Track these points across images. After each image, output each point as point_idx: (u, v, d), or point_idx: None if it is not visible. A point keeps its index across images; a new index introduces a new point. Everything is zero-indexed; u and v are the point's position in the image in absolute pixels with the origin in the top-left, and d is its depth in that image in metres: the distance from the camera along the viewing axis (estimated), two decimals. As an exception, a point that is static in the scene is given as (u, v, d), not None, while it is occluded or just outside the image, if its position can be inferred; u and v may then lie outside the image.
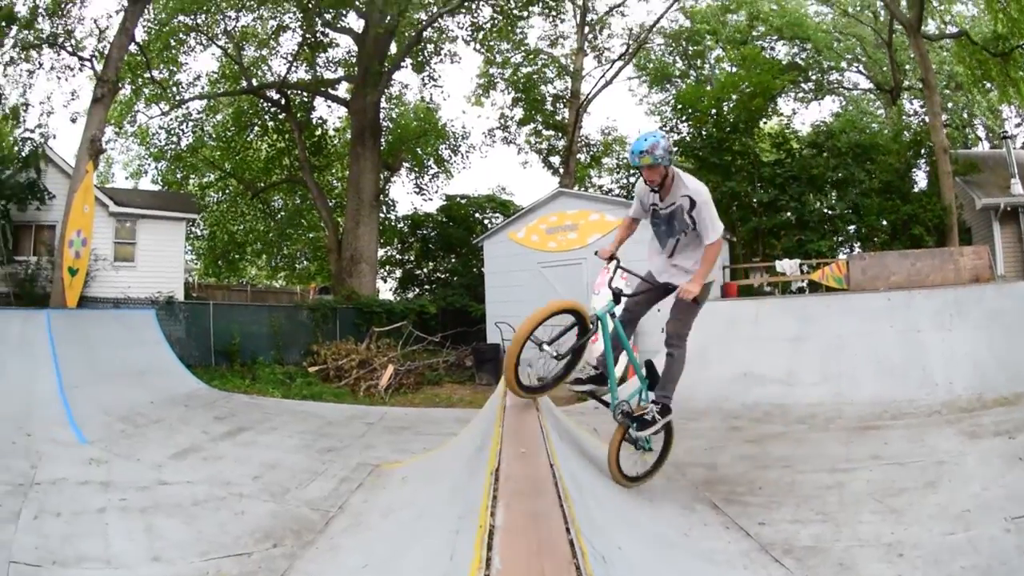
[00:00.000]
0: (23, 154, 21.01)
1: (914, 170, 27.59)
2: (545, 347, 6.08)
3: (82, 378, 12.34)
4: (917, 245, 22.92)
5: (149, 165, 34.32)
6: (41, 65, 23.76)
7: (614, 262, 6.72)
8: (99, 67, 21.37)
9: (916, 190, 26.37)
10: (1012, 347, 11.79)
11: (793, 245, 24.61)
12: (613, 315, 6.76)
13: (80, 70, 24.29)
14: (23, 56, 23.06)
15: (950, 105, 36.01)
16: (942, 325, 12.79)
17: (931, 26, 30.85)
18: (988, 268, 16.74)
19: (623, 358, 7.74)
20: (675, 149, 5.92)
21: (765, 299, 17.47)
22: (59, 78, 24.74)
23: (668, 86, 38.65)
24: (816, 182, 25.87)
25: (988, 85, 28.13)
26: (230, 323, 20.64)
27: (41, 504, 6.86)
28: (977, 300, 13.22)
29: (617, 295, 6.77)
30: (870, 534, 5.94)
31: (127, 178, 35.56)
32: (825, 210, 25.99)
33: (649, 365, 7.09)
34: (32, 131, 22.21)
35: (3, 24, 21.48)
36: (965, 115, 37.25)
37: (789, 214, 25.39)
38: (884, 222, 25.04)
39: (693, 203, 6.19)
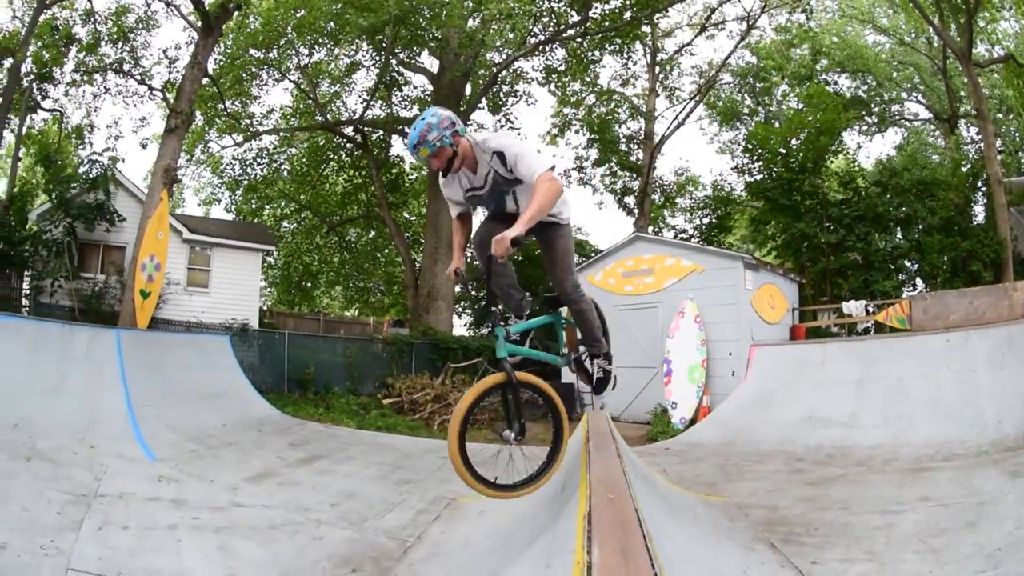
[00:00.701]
0: (90, 175, 21.29)
1: (972, 203, 27.29)
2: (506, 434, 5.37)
3: (151, 398, 12.44)
4: (975, 282, 22.56)
5: (222, 193, 34.60)
6: (107, 90, 24.26)
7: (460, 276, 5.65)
8: (170, 97, 21.87)
9: (974, 223, 26.09)
10: None
11: (859, 285, 24.43)
12: (508, 335, 5.53)
13: (150, 98, 24.73)
14: (85, 79, 23.52)
15: (1003, 129, 35.43)
16: (995, 363, 12.42)
17: (980, 48, 30.39)
18: None
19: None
20: (457, 124, 4.76)
21: (831, 342, 17.13)
22: (127, 104, 25.22)
23: (737, 124, 38.63)
24: (881, 221, 25.57)
25: None
26: (304, 352, 20.77)
27: (106, 516, 6.85)
28: None
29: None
30: (910, 573, 6.00)
31: (199, 204, 36.04)
32: (889, 249, 25.68)
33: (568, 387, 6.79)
34: (100, 154, 22.40)
35: (62, 44, 22.04)
36: (1017, 138, 36.65)
37: (855, 254, 25.08)
38: (945, 259, 24.64)
39: (503, 156, 5.09)
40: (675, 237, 33.08)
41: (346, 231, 38.07)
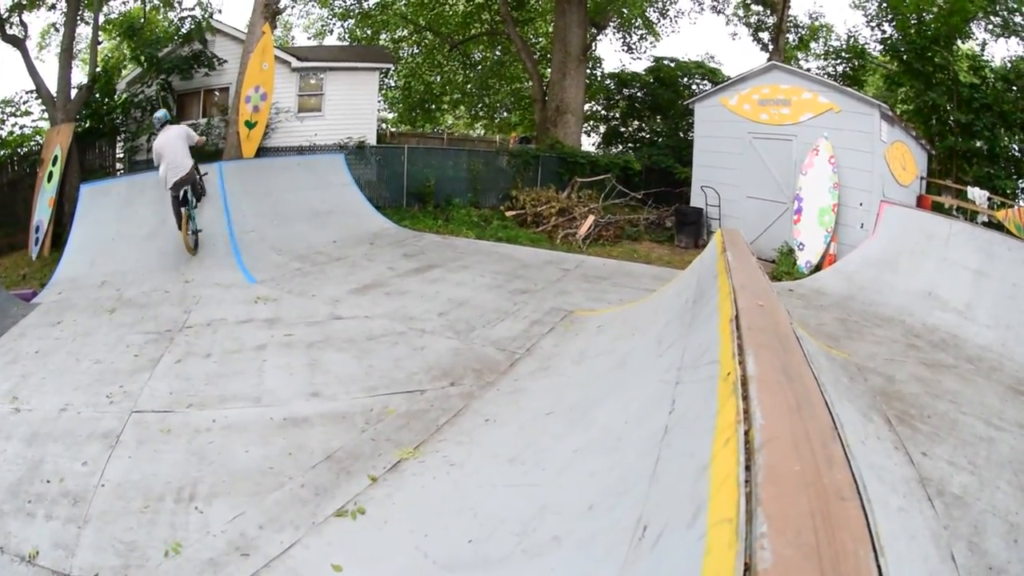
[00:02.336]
0: (182, 31, 20.79)
1: None
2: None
3: (258, 223, 12.51)
4: None
5: (334, 24, 33.96)
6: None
7: None
8: None
9: None
10: None
11: (984, 176, 23.33)
12: None
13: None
14: None
15: None
16: None
17: None
18: None
19: None
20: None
21: (957, 220, 15.91)
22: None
23: None
24: (1007, 118, 24.12)
25: None
26: (425, 167, 20.45)
27: (188, 347, 6.77)
28: None
29: None
30: (1001, 505, 5.64)
31: (309, 38, 35.40)
32: (1015, 148, 24.36)
33: None
34: (192, 8, 21.91)
35: None
36: None
37: (981, 143, 23.97)
38: None
39: None
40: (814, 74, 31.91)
41: (471, 49, 37.25)
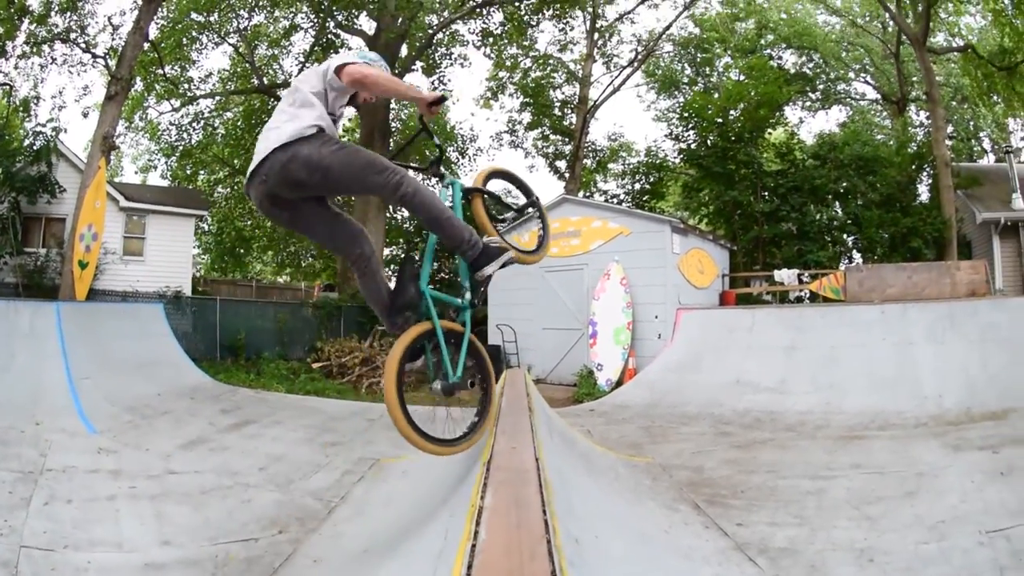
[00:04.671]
0: (35, 147, 21.14)
1: (917, 183, 27.77)
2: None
3: (90, 370, 12.54)
4: (916, 258, 23.18)
5: (159, 160, 34.47)
6: (54, 60, 23.96)
7: None
8: (112, 64, 21.52)
9: (917, 203, 26.56)
10: (1005, 362, 11.81)
11: (793, 255, 24.82)
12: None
13: (92, 66, 24.56)
14: (35, 51, 23.23)
15: (956, 117, 36.02)
16: (935, 338, 12.81)
17: (939, 38, 30.97)
18: (985, 283, 16.79)
19: None
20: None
21: (761, 308, 17.50)
22: (71, 72, 24.92)
23: (676, 93, 38.67)
24: (818, 193, 26.06)
25: (995, 98, 28.23)
26: (236, 318, 20.92)
27: (52, 491, 7.05)
28: (971, 314, 13.18)
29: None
30: (843, 539, 6.08)
31: (136, 172, 35.73)
32: (825, 221, 26.18)
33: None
34: (44, 125, 22.27)
35: (16, 18, 21.70)
36: (971, 126, 37.23)
37: (790, 224, 25.57)
38: (884, 235, 25.14)
39: None
40: (606, 201, 33.43)
41: (279, 195, 37.77)
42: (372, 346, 20.53)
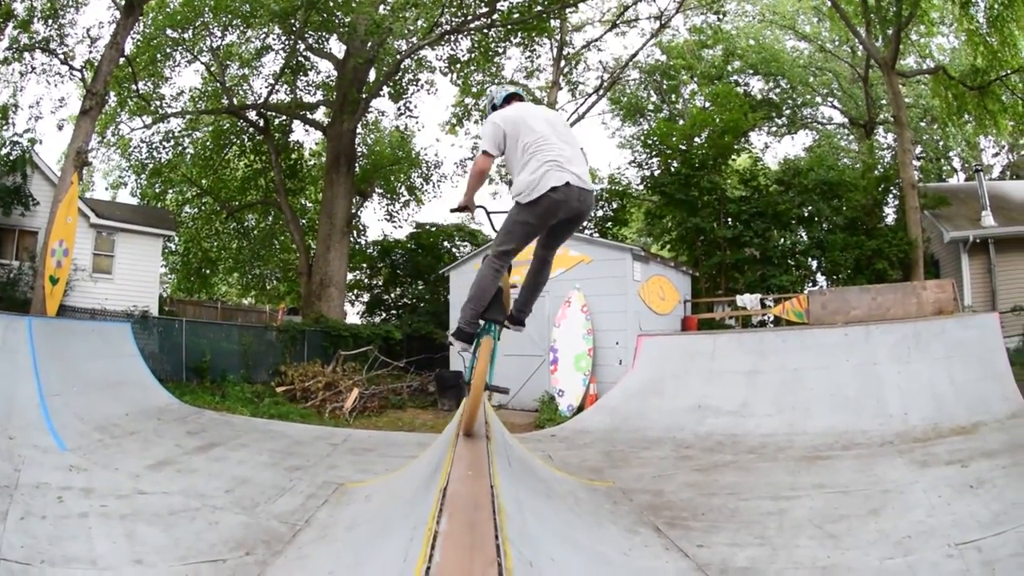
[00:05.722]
0: (11, 158, 21.19)
1: (883, 205, 28.08)
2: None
3: (61, 387, 12.65)
4: (881, 279, 23.15)
5: (129, 177, 34.33)
6: (33, 68, 24.08)
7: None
8: (88, 77, 21.67)
9: (883, 225, 26.83)
10: (973, 377, 12.17)
11: (756, 280, 24.99)
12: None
13: (70, 77, 24.68)
14: (16, 57, 23.30)
15: (925, 138, 36.70)
16: (900, 358, 13.10)
17: (910, 59, 31.61)
18: (952, 301, 16.92)
19: None
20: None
21: (722, 333, 17.74)
22: (49, 83, 24.91)
23: (641, 120, 39.10)
24: (782, 218, 26.23)
25: (966, 117, 28.53)
26: (201, 340, 20.93)
27: (27, 506, 7.16)
28: (938, 333, 13.51)
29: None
30: (806, 558, 6.17)
31: (107, 188, 35.52)
32: (789, 245, 26.38)
33: None
34: (20, 136, 22.41)
35: (1, 21, 21.79)
36: (940, 146, 37.81)
37: (753, 250, 25.69)
38: (849, 257, 25.24)
39: None
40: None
41: (244, 217, 38.09)
42: (335, 371, 20.73)
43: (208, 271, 38.91)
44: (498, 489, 4.23)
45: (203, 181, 35.65)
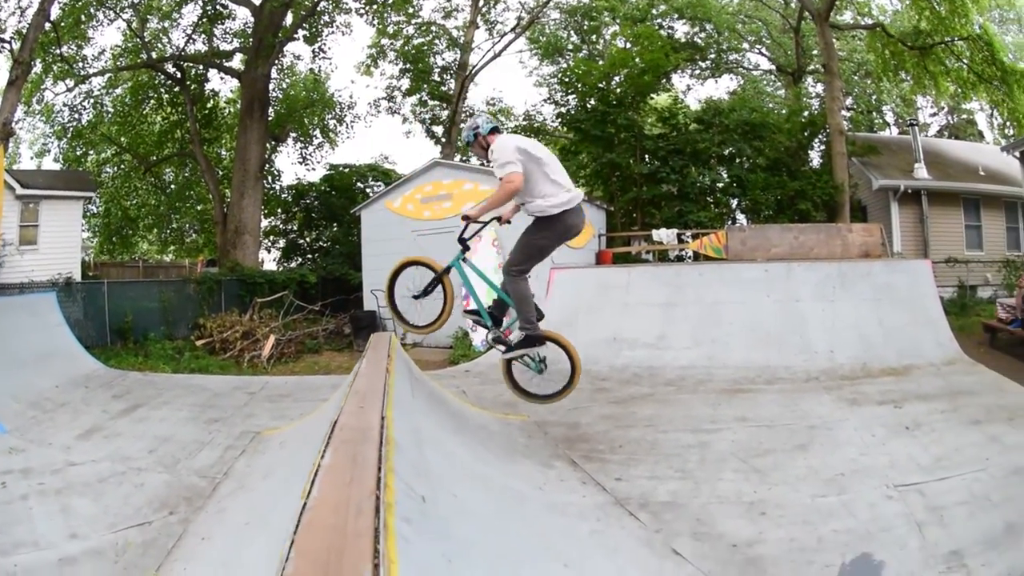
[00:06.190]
0: None
1: (808, 150, 28.64)
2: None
3: None
4: (804, 220, 23.89)
5: (52, 144, 33.68)
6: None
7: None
8: (16, 48, 21.43)
9: (807, 168, 27.40)
10: (903, 322, 12.43)
11: (673, 216, 25.34)
12: (464, 260, 7.75)
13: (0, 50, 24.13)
14: None
15: (856, 91, 37.25)
16: (824, 296, 13.17)
17: (847, 16, 32.04)
18: (880, 245, 17.19)
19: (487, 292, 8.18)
20: (480, 127, 7.09)
21: (637, 266, 17.97)
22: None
23: (559, 59, 38.93)
24: (700, 156, 26.67)
25: (902, 75, 29.28)
26: (123, 301, 20.91)
27: None
28: (864, 274, 13.60)
29: (463, 242, 7.55)
30: (730, 492, 6.29)
31: (32, 158, 34.77)
32: (708, 183, 26.79)
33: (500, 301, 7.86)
34: None
35: None
36: (873, 100, 38.43)
37: (670, 186, 26.09)
38: (771, 197, 25.76)
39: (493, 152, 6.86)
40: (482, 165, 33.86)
41: (162, 171, 37.78)
42: (252, 319, 20.89)
43: (129, 231, 38.46)
44: (389, 421, 4.32)
45: (122, 139, 35.07)
